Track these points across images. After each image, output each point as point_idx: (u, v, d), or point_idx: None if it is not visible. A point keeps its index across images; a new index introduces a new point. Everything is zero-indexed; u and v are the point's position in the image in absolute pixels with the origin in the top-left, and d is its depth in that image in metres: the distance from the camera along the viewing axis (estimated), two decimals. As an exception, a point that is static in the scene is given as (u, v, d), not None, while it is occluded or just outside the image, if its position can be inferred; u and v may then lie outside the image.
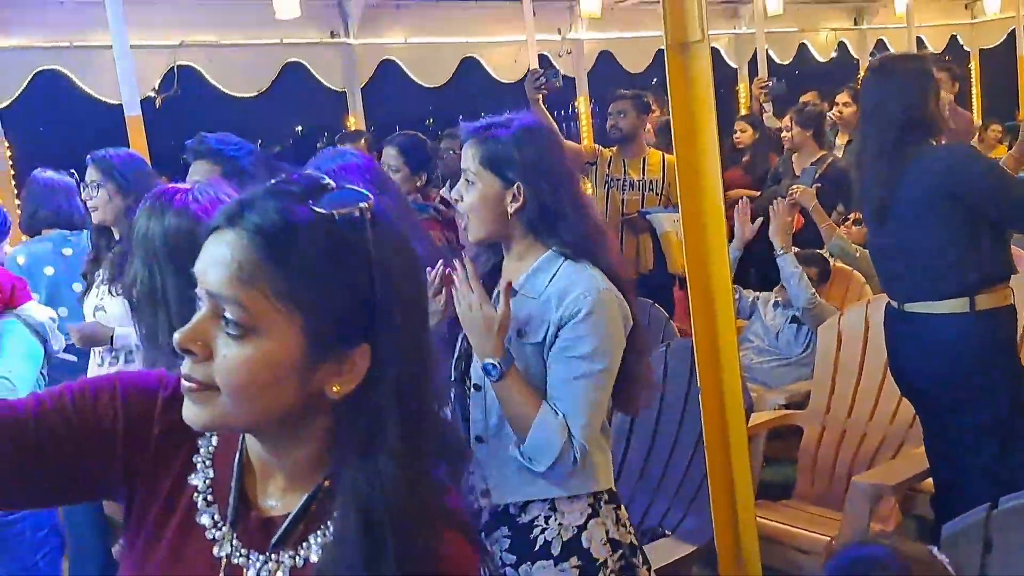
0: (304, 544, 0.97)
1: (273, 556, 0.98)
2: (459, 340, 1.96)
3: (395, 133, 3.86)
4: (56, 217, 3.62)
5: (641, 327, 1.96)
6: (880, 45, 10.95)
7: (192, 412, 0.94)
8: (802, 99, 6.45)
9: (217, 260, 0.90)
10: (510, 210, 1.87)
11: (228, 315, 0.90)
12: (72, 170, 4.18)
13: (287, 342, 0.90)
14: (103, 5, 3.98)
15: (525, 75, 7.12)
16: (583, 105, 8.53)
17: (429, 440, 0.97)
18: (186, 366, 0.93)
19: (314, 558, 0.96)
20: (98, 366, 3.04)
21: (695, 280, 1.96)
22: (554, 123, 3.85)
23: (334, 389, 0.93)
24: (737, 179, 5.49)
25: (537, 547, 1.88)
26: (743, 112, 8.81)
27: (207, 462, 1.07)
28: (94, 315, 3.00)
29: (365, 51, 7.02)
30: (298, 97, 8.94)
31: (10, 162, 5.07)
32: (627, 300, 1.90)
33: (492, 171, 1.88)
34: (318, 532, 0.97)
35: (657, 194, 4.66)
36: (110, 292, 2.93)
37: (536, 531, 1.88)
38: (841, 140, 5.79)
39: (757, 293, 4.16)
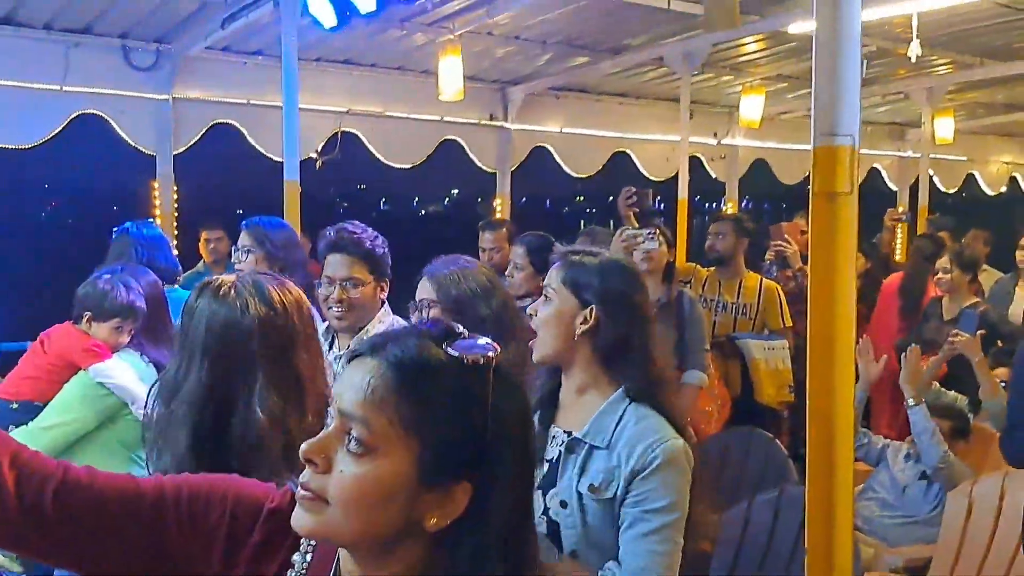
0: None
1: None
2: None
3: (526, 233, 3.90)
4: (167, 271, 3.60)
5: (699, 474, 1.90)
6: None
7: (301, 519, 1.00)
8: (965, 239, 6.18)
9: (355, 383, 0.99)
10: (578, 331, 1.88)
11: (354, 433, 0.97)
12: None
13: (401, 467, 0.97)
14: (279, 68, 4.24)
15: (675, 175, 7.26)
16: (732, 210, 8.43)
17: (528, 570, 1.02)
18: (305, 475, 0.99)
19: None
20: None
21: (816, 431, 1.88)
22: (640, 231, 3.79)
23: (432, 520, 0.98)
24: None
25: None
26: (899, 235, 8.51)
27: (303, 569, 1.11)
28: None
29: (520, 136, 7.20)
30: (451, 172, 9.23)
31: (175, 204, 5.41)
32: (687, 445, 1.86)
33: (571, 290, 1.90)
34: None
35: (750, 319, 4.54)
36: None
37: None
38: (1021, 288, 5.46)
39: (888, 440, 3.92)
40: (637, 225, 3.94)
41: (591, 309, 1.88)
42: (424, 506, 0.98)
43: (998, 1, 5.21)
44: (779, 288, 4.65)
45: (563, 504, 1.85)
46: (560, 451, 1.89)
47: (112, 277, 2.88)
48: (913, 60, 5.28)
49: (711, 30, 5.10)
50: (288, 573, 1.11)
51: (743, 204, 8.86)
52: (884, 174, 9.69)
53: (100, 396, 2.78)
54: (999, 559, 3.15)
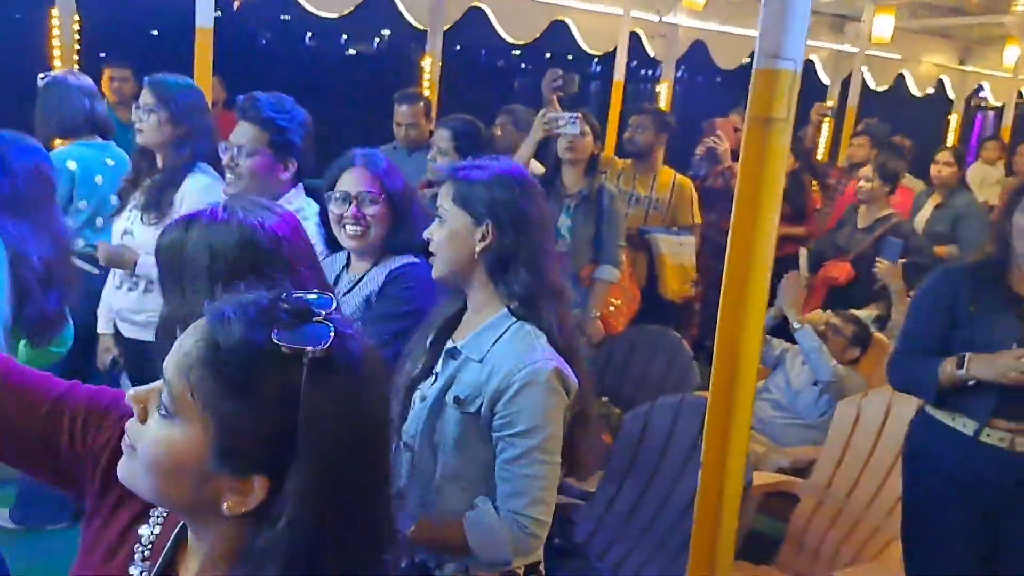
0: None
1: None
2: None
3: (452, 116, 3.76)
4: (92, 123, 3.54)
5: (586, 394, 1.90)
6: (980, 89, 10.58)
7: (120, 464, 1.01)
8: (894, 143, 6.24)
9: (183, 343, 0.96)
10: (477, 249, 1.84)
11: (163, 394, 0.96)
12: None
13: (194, 441, 0.94)
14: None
15: (614, 49, 7.08)
16: (666, 91, 8.32)
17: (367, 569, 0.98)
18: (130, 421, 1.00)
19: None
20: (116, 288, 3.03)
21: (723, 345, 1.90)
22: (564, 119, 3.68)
23: (227, 504, 0.94)
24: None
25: None
26: (827, 133, 8.55)
27: (159, 519, 1.11)
28: (121, 238, 2.98)
29: (455, -7, 6.86)
30: (379, 27, 8.82)
31: (77, 36, 5.02)
32: (572, 365, 1.84)
33: (462, 208, 1.85)
34: None
35: (662, 214, 4.57)
36: (142, 220, 2.90)
37: None
38: (934, 201, 5.58)
39: (788, 345, 4.04)
40: (559, 108, 3.82)
41: (487, 225, 1.83)
42: (219, 488, 0.94)
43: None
44: (692, 185, 4.65)
45: (422, 398, 1.88)
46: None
47: None
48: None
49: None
50: (151, 511, 1.10)
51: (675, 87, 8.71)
52: (818, 66, 9.64)
53: None
54: (877, 470, 3.32)
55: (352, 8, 6.41)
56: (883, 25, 8.13)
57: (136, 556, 1.09)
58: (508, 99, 6.96)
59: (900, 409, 3.28)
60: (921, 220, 5.48)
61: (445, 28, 6.90)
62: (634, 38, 7.99)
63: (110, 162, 3.51)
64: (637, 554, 2.85)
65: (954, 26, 9.71)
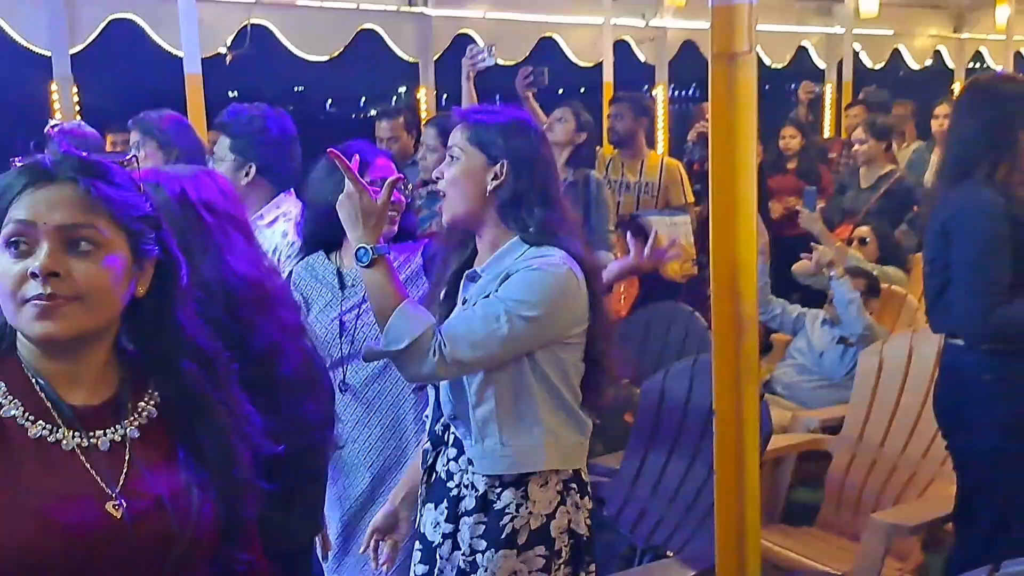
0: (116, 427, 1.17)
1: (90, 435, 1.16)
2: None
3: (438, 114, 3.83)
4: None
5: (605, 317, 1.95)
6: (977, 56, 10.52)
7: (54, 327, 1.10)
8: (895, 111, 6.24)
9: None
10: (490, 187, 1.88)
11: (83, 238, 1.11)
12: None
13: (123, 253, 1.14)
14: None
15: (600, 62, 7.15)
16: (662, 93, 8.36)
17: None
18: (46, 287, 1.08)
19: (135, 433, 1.18)
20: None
21: (720, 296, 1.88)
22: (544, 117, 3.79)
23: (140, 290, 1.17)
24: (790, 184, 5.31)
25: (504, 535, 1.87)
26: (824, 113, 8.56)
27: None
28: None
29: (442, 23, 6.98)
30: (370, 64, 8.96)
31: (77, 107, 5.16)
32: (591, 288, 1.88)
33: (477, 147, 1.90)
34: (129, 415, 1.19)
35: (653, 197, 4.57)
36: None
37: (506, 519, 1.87)
38: (936, 155, 5.55)
39: (804, 309, 4.01)
40: (537, 105, 3.91)
41: (502, 164, 1.87)
42: (135, 279, 1.16)
43: None
44: (680, 165, 4.67)
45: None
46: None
47: None
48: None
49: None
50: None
51: (671, 89, 8.79)
52: (812, 52, 9.65)
53: None
54: (908, 414, 3.28)
55: (341, 49, 6.55)
56: (869, 1, 8.15)
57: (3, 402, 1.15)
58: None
59: (922, 350, 3.24)
60: (931, 175, 5.44)
61: (435, 57, 7.02)
62: (624, 47, 8.08)
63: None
64: (668, 521, 2.82)
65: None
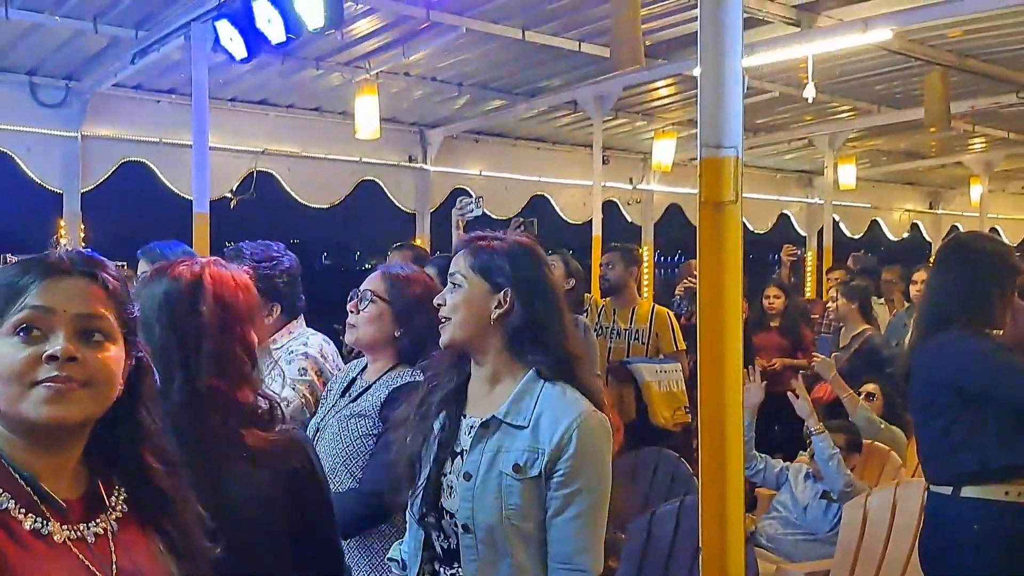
0: (97, 520, 1.19)
1: (78, 528, 1.17)
2: (422, 472, 1.93)
3: (438, 255, 3.96)
4: None
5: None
6: (954, 231, 10.93)
7: (65, 410, 1.13)
8: (884, 276, 6.48)
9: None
10: (494, 315, 1.84)
11: (96, 328, 1.16)
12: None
13: (122, 348, 1.20)
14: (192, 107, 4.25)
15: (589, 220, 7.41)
16: (647, 253, 8.63)
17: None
18: (62, 369, 1.12)
19: (115, 526, 1.20)
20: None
21: (708, 441, 1.92)
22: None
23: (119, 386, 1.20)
24: (775, 342, 5.44)
25: None
26: (806, 277, 8.80)
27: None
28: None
29: (439, 177, 7.29)
30: (370, 213, 9.24)
31: (83, 244, 5.32)
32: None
33: (481, 276, 1.86)
34: (108, 509, 1.21)
35: (643, 343, 4.65)
36: None
37: None
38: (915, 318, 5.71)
39: (787, 463, 4.03)
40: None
41: (505, 292, 1.85)
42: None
43: (891, 49, 5.50)
44: (670, 313, 4.78)
45: (467, 476, 1.83)
46: (472, 437, 1.87)
47: None
48: (809, 101, 5.54)
49: (617, 68, 5.27)
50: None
51: (656, 254, 9.09)
52: (794, 220, 10.04)
53: None
54: (893, 566, 3.25)
55: (342, 198, 6.81)
56: (847, 174, 8.57)
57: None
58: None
59: (906, 503, 3.25)
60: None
61: (431, 210, 7.30)
62: (613, 207, 8.41)
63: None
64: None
65: (920, 172, 10.20)
